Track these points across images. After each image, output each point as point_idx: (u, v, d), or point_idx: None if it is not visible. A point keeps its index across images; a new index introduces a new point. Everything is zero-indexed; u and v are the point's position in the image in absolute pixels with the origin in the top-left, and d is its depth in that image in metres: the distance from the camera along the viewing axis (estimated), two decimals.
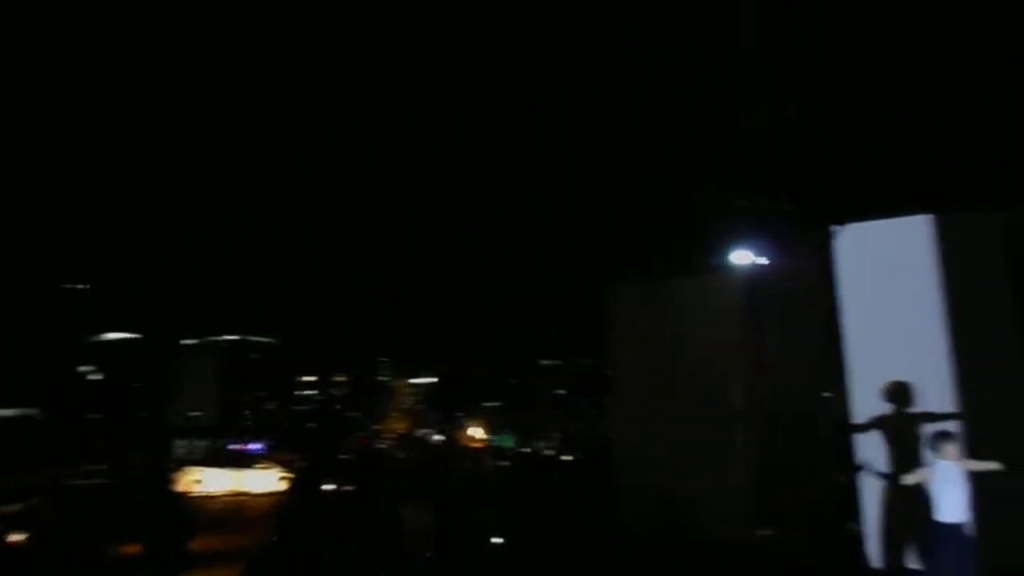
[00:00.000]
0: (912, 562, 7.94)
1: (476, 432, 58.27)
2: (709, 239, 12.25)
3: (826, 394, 9.83)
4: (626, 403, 12.77)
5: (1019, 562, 7.06)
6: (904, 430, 8.24)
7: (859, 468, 8.91)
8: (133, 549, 8.84)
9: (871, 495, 8.83)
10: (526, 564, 10.49)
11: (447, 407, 69.90)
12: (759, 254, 11.31)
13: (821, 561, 8.95)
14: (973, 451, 6.31)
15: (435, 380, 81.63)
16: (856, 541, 8.82)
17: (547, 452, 41.63)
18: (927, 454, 6.88)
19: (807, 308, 10.11)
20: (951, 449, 6.24)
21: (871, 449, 8.83)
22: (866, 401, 9.03)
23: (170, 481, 16.44)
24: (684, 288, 12.54)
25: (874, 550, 8.63)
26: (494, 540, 11.83)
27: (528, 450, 44.30)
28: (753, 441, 11.57)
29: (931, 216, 8.86)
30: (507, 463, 32.43)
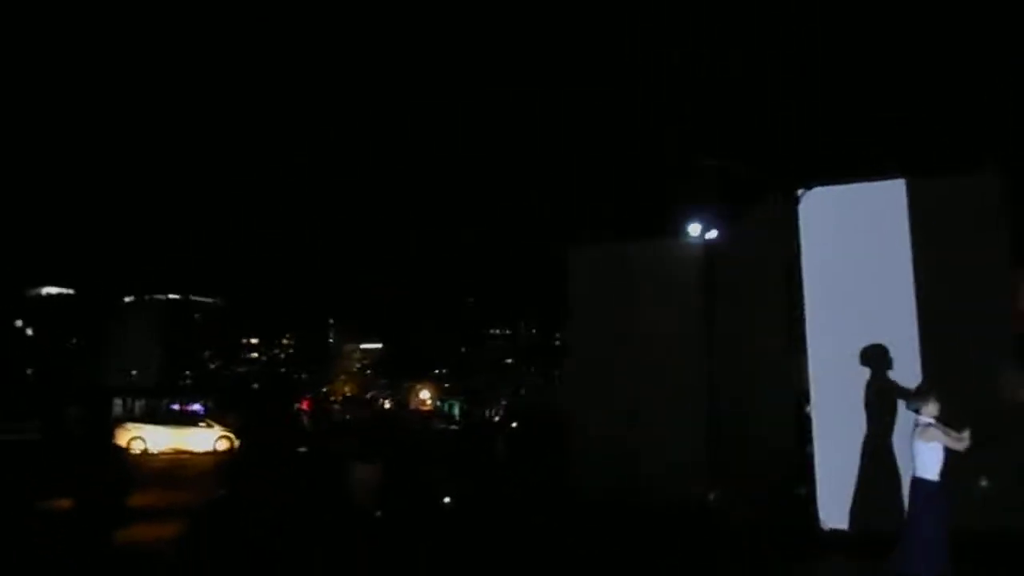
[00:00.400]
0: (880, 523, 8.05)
1: (425, 396, 58.20)
2: (669, 203, 12.17)
3: (784, 362, 9.78)
4: (581, 367, 12.68)
5: (973, 524, 7.15)
6: (882, 392, 8.27)
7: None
8: (64, 504, 8.44)
9: (824, 460, 8.88)
10: (475, 523, 10.39)
11: (395, 372, 69.67)
12: (719, 219, 11.27)
13: (771, 523, 8.98)
14: (944, 422, 6.31)
15: (382, 346, 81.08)
16: (807, 504, 8.86)
17: (494, 419, 41.73)
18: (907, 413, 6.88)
19: (768, 273, 10.04)
20: (932, 407, 6.24)
21: (831, 414, 8.85)
22: (826, 368, 9.03)
23: (107, 437, 15.91)
24: (643, 253, 12.44)
25: (826, 513, 8.70)
26: (444, 500, 11.74)
27: (477, 416, 44.42)
28: (706, 406, 11.63)
29: (905, 180, 8.79)
30: (455, 427, 32.45)
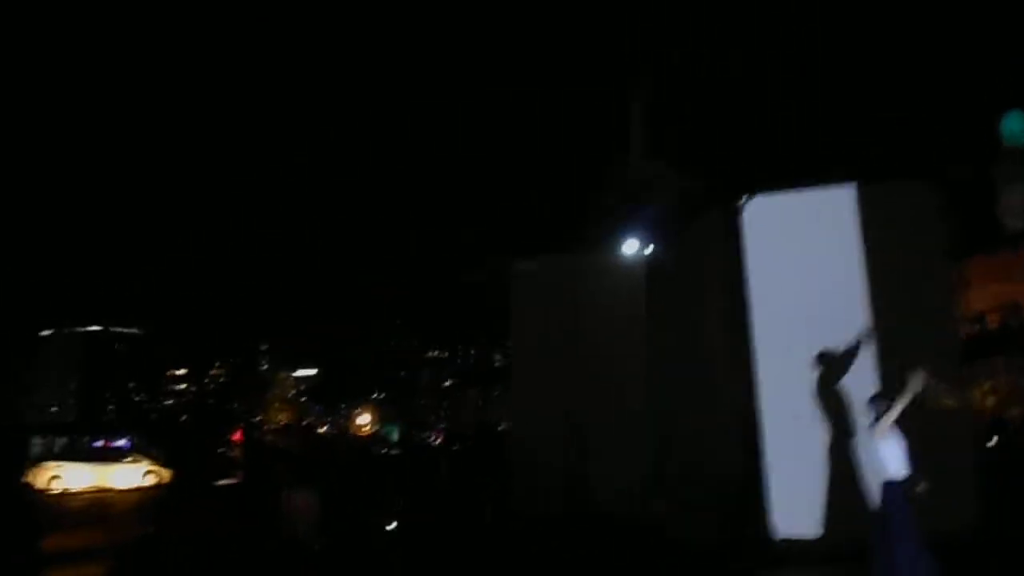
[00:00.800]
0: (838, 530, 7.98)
1: (363, 421, 57.07)
2: (610, 215, 12.06)
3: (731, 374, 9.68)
4: (524, 384, 12.42)
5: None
6: (835, 398, 8.23)
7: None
8: None
9: (775, 470, 8.80)
10: (420, 550, 9.99)
11: (331, 398, 68.22)
12: (660, 231, 11.19)
13: (724, 537, 8.84)
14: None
15: (316, 372, 79.39)
16: (759, 515, 8.75)
17: (435, 442, 41.13)
18: (863, 417, 6.83)
19: (712, 284, 9.97)
20: (887, 408, 6.20)
21: (781, 424, 8.78)
22: (775, 378, 8.95)
23: (17, 478, 14.94)
24: (585, 268, 12.30)
25: (778, 523, 8.61)
26: (387, 527, 11.33)
27: (417, 439, 43.71)
28: (651, 421, 11.51)
29: (854, 186, 8.77)
30: (395, 452, 31.77)
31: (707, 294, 9.96)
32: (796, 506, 8.43)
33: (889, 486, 6.07)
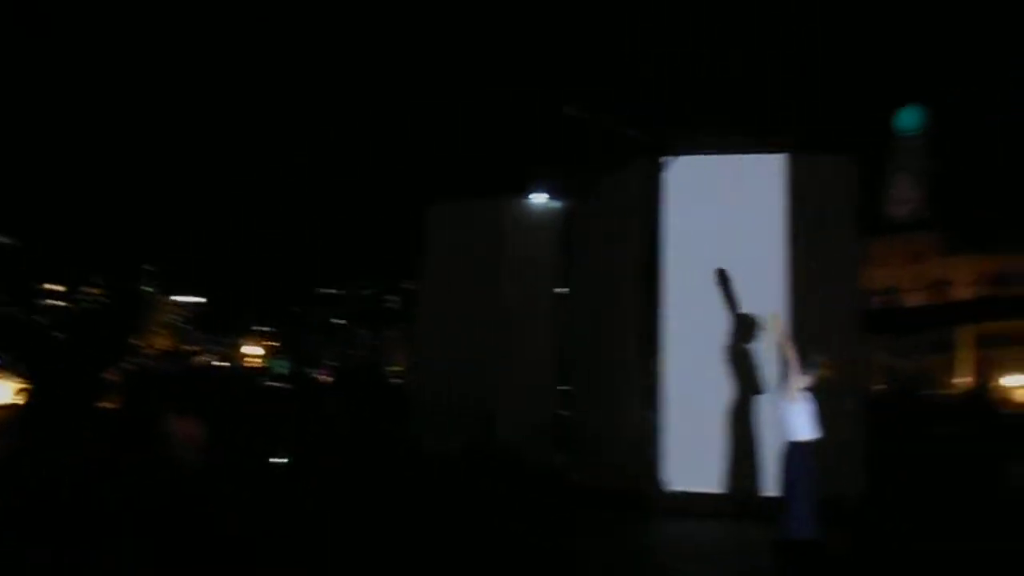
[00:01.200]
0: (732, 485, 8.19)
1: (253, 353, 55.54)
2: (530, 160, 11.87)
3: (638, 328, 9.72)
4: (432, 324, 12.21)
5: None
6: (746, 358, 8.37)
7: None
8: None
9: (673, 426, 8.95)
10: (307, 482, 9.72)
11: (218, 329, 65.88)
12: (581, 179, 11.06)
13: (619, 487, 8.97)
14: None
15: (205, 300, 76.31)
16: (654, 468, 8.91)
17: (324, 379, 40.42)
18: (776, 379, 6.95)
19: (629, 237, 9.92)
20: (798, 372, 6.33)
21: (683, 382, 8.90)
22: (682, 337, 9.04)
23: None
24: (501, 212, 12.09)
25: (672, 475, 8.78)
26: (275, 460, 10.97)
27: (305, 375, 42.89)
28: (557, 369, 11.55)
29: (783, 155, 8.82)
30: (285, 386, 31.04)
31: (623, 246, 9.93)
32: (691, 461, 8.62)
33: (794, 447, 6.23)
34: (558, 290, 11.58)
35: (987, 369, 20.11)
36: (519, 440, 10.70)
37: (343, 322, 70.93)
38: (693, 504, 8.45)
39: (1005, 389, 17.85)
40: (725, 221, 8.89)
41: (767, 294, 8.55)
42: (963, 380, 21.06)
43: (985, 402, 16.72)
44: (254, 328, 64.90)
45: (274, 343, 62.83)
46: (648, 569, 6.81)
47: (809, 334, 7.55)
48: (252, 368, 43.13)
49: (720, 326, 8.77)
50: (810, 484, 6.12)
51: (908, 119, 9.04)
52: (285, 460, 10.72)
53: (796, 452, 6.20)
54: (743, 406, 8.40)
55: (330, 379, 38.26)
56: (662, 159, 9.35)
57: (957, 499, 9.05)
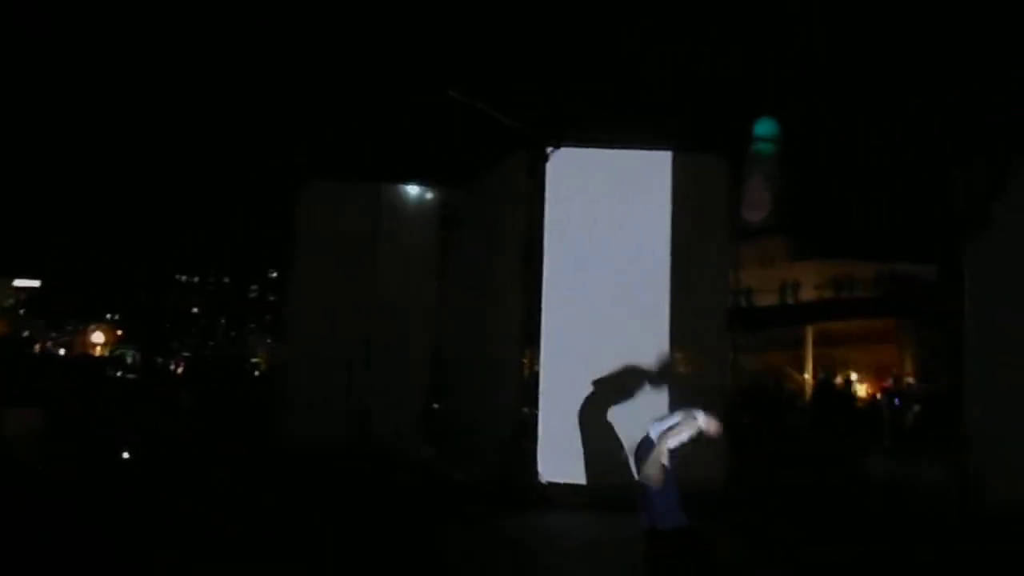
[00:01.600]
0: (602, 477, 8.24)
1: (97, 340, 51.74)
2: (414, 143, 11.53)
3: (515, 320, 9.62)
4: (303, 313, 11.63)
5: None
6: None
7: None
8: None
9: (547, 418, 8.92)
10: (158, 478, 9.06)
11: (57, 314, 60.98)
12: (463, 167, 10.88)
13: (494, 479, 8.88)
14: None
15: (40, 284, 70.32)
16: (528, 460, 8.86)
17: (177, 370, 38.37)
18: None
19: (508, 230, 9.81)
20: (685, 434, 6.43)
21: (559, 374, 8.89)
22: (559, 332, 9.00)
23: None
24: (380, 199, 11.68)
25: (546, 468, 8.77)
26: (121, 453, 10.24)
27: (155, 365, 40.54)
28: (431, 360, 11.34)
29: (668, 152, 8.94)
30: (132, 376, 29.19)
31: (503, 238, 9.82)
32: (564, 453, 8.63)
33: (647, 440, 6.25)
34: (436, 281, 11.38)
35: (830, 365, 21.55)
36: (392, 433, 10.42)
37: (198, 311, 67.49)
38: (566, 496, 8.46)
39: (845, 384, 19.23)
40: (608, 216, 8.93)
41: (648, 290, 8.70)
42: (808, 376, 22.44)
43: (829, 395, 17.88)
44: (98, 314, 60.52)
45: (122, 330, 58.94)
46: (518, 558, 6.76)
47: (683, 331, 7.71)
48: (96, 358, 40.23)
49: (598, 320, 8.81)
50: (672, 474, 6.18)
51: (764, 127, 9.38)
52: (126, 455, 10.00)
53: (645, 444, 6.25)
54: (617, 399, 8.44)
55: (183, 370, 36.36)
56: (546, 150, 9.27)
57: (809, 484, 9.53)
